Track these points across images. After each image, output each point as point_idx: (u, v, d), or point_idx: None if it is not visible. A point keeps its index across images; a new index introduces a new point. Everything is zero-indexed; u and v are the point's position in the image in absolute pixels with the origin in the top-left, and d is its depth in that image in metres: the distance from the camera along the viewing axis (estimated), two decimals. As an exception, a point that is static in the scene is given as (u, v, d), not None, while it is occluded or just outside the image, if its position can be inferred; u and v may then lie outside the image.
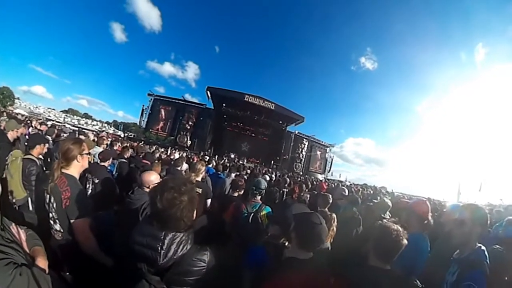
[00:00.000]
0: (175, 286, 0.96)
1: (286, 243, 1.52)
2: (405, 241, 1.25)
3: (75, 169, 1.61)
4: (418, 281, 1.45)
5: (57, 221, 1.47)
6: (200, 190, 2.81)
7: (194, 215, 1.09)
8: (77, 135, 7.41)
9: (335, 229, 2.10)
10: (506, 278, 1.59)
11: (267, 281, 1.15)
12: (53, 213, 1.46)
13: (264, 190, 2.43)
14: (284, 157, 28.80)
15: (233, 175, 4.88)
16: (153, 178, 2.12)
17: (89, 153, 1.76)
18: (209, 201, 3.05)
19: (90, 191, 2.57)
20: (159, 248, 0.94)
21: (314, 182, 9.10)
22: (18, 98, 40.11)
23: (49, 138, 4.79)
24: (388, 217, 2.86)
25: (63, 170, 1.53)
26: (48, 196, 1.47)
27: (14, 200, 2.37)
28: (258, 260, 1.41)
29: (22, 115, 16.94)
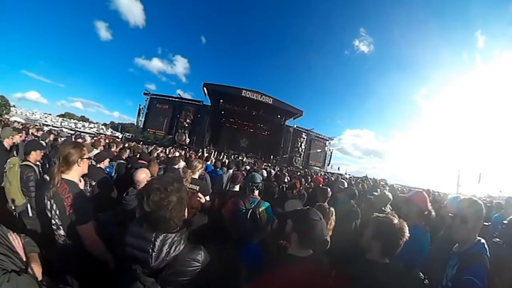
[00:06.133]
0: (170, 287, 0.95)
1: (284, 243, 1.49)
2: (407, 235, 1.23)
3: (76, 173, 1.57)
4: (421, 274, 1.45)
5: (61, 227, 1.43)
6: (197, 188, 2.80)
7: (186, 213, 1.06)
8: (73, 139, 7.36)
9: (333, 222, 2.10)
10: (506, 273, 1.57)
11: (264, 278, 1.14)
12: (57, 220, 1.42)
13: (259, 184, 2.40)
14: (284, 154, 28.80)
15: (231, 171, 4.88)
16: (143, 176, 2.12)
17: (89, 158, 1.71)
18: (207, 198, 3.05)
19: (88, 194, 2.55)
20: (150, 250, 0.92)
21: (314, 176, 9.11)
22: (14, 106, 39.67)
23: (43, 143, 4.75)
24: (389, 210, 2.87)
25: (64, 176, 1.49)
26: (49, 202, 1.43)
27: (13, 207, 2.40)
28: (253, 259, 1.40)
29: (19, 123, 16.87)
